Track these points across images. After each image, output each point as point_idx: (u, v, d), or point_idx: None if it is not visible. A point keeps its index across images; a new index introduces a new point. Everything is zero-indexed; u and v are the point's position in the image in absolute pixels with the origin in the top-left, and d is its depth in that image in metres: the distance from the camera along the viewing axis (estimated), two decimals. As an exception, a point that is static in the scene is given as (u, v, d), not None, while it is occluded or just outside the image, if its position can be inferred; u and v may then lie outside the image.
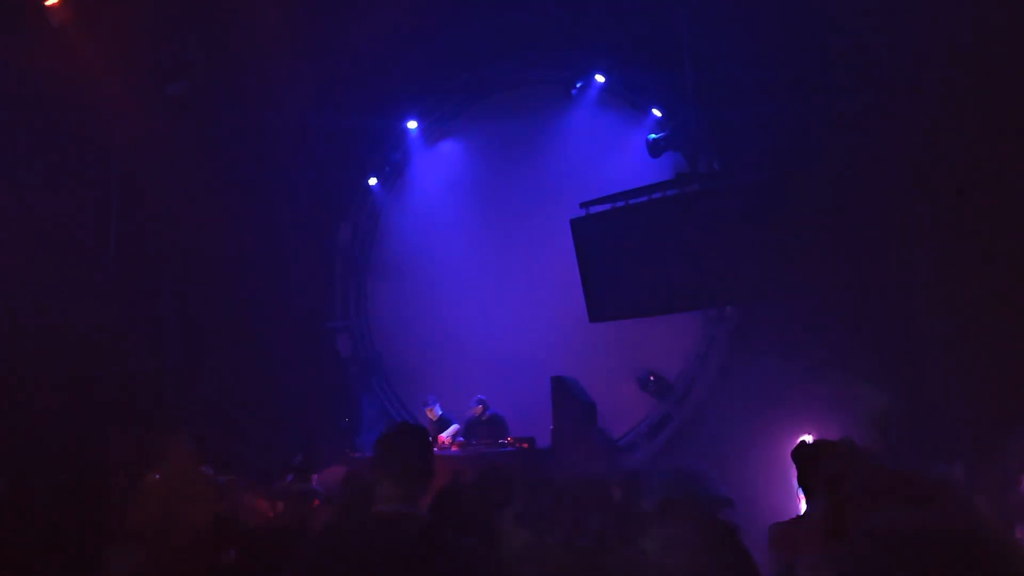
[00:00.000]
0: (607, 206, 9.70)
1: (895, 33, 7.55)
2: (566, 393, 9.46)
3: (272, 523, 4.59)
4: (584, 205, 9.84)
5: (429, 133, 12.20)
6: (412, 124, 12.04)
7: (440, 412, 10.49)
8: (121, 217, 10.89)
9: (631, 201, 9.58)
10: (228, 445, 8.19)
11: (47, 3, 9.33)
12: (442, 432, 10.11)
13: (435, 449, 9.72)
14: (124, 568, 3.04)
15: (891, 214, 7.73)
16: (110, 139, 10.22)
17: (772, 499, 6.58)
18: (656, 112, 10.29)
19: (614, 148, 10.75)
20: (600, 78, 10.63)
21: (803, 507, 3.86)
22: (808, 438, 5.66)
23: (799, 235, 8.34)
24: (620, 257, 9.56)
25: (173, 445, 4.28)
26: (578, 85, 10.85)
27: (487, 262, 11.40)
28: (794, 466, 3.77)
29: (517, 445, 9.49)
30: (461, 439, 9.99)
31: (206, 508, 3.76)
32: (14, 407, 8.98)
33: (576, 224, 9.85)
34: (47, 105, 9.65)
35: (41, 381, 9.40)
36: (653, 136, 9.76)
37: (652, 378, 10.39)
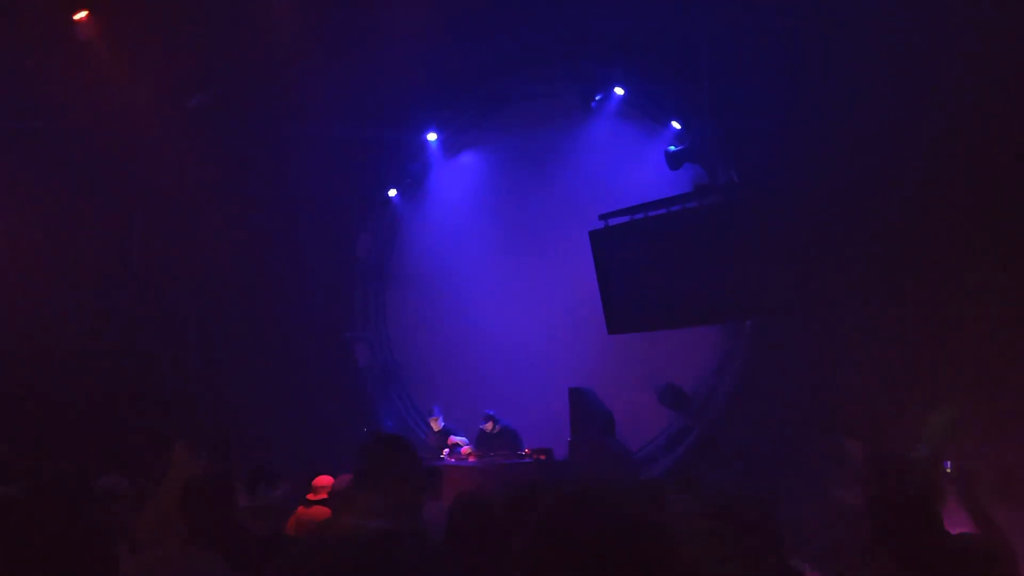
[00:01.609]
0: (626, 218, 9.71)
1: (912, 45, 7.53)
2: (584, 404, 9.45)
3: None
4: (603, 217, 9.86)
5: (448, 145, 12.26)
6: (432, 136, 12.10)
7: (444, 424, 10.44)
8: (143, 228, 11.03)
9: (650, 213, 9.58)
10: (249, 454, 8.26)
11: (74, 18, 9.50)
12: (444, 444, 10.03)
13: (452, 460, 9.75)
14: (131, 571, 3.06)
15: (912, 224, 7.68)
16: (133, 150, 10.35)
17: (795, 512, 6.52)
18: (675, 124, 10.28)
19: (633, 160, 10.74)
20: (619, 90, 10.64)
21: None
22: None
23: (819, 247, 8.32)
24: (638, 269, 9.56)
25: (175, 455, 4.31)
26: (597, 97, 10.86)
27: (506, 273, 11.41)
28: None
29: (535, 456, 9.48)
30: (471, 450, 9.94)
31: None
32: (37, 414, 9.12)
33: (595, 236, 9.86)
34: (71, 118, 9.81)
35: (62, 390, 9.53)
36: (672, 148, 9.76)
37: (670, 390, 10.35)
